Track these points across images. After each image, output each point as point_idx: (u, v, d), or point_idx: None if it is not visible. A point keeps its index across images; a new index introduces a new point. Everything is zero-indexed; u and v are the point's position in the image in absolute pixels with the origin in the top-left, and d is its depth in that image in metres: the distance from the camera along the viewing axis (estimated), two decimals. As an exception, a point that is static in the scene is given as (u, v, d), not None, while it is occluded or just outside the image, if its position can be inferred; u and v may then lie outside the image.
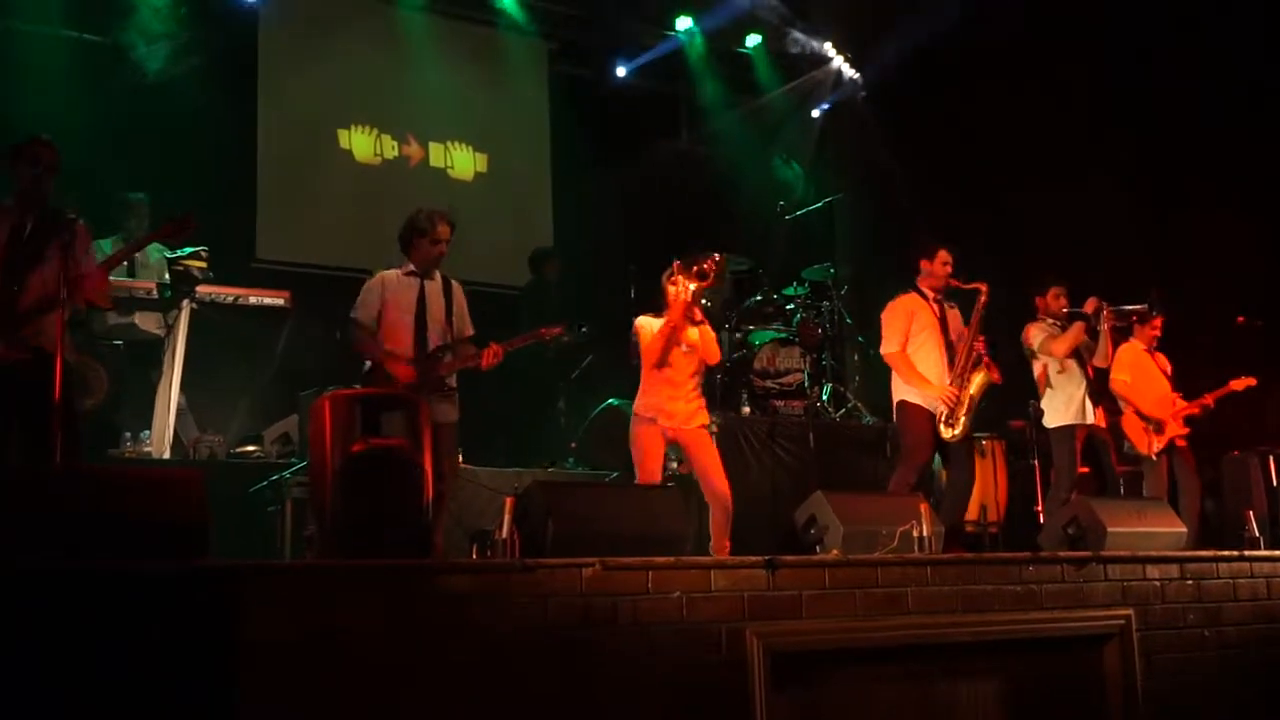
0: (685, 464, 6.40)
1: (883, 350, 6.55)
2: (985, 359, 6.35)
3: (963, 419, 6.30)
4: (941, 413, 6.30)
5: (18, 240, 5.00)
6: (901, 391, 6.47)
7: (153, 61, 8.09)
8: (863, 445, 7.85)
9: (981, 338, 6.43)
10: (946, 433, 6.29)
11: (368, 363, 5.80)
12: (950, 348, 6.43)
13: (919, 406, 6.36)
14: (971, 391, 6.32)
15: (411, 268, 5.92)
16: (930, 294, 6.55)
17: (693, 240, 6.81)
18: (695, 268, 5.95)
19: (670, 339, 5.87)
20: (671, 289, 6.00)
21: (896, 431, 6.67)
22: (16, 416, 4.90)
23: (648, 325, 6.00)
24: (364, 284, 5.91)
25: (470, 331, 6.02)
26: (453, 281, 6.05)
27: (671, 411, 5.87)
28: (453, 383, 5.87)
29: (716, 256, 6.03)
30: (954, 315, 6.57)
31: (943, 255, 6.54)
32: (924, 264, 6.57)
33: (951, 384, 6.32)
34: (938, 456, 6.56)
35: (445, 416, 5.71)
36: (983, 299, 6.45)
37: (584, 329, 8.11)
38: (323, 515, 4.36)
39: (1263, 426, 8.27)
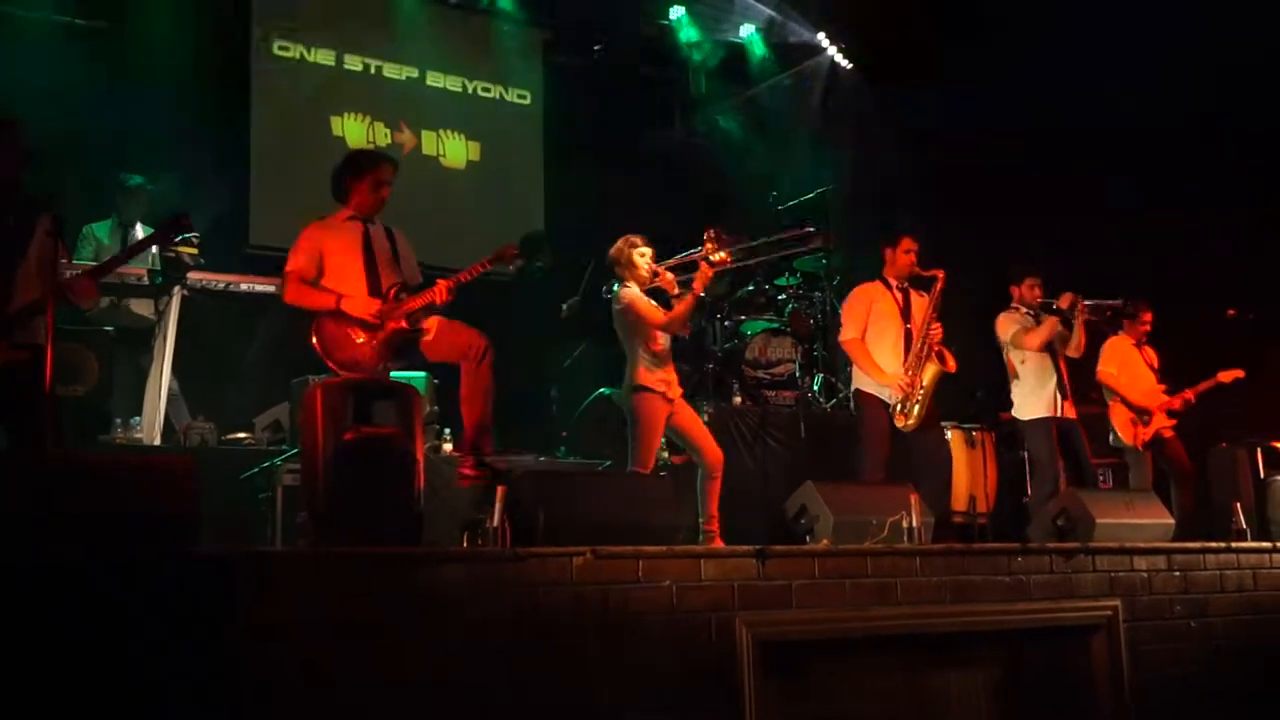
0: (678, 453, 6.41)
1: (840, 337, 6.61)
2: (938, 348, 6.33)
3: (915, 409, 6.30)
4: (896, 401, 6.32)
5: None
6: (858, 380, 6.53)
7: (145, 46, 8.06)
8: (854, 436, 7.83)
9: (939, 325, 6.40)
10: (900, 421, 6.31)
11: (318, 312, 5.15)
12: (910, 336, 6.43)
13: (874, 396, 6.40)
14: (924, 381, 6.32)
15: (350, 213, 5.35)
16: (894, 282, 6.56)
17: (686, 227, 6.74)
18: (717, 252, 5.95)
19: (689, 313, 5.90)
20: (640, 260, 5.96)
21: (858, 421, 6.67)
22: (8, 410, 4.83)
23: (640, 298, 5.98)
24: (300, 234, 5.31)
25: (420, 281, 5.49)
26: (395, 230, 5.50)
27: (671, 381, 5.94)
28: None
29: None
30: (920, 303, 6.55)
31: (905, 243, 6.55)
32: (887, 252, 6.58)
33: (906, 372, 6.33)
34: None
35: None
36: (939, 285, 6.44)
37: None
38: (314, 503, 4.38)
39: (1250, 418, 8.30)
